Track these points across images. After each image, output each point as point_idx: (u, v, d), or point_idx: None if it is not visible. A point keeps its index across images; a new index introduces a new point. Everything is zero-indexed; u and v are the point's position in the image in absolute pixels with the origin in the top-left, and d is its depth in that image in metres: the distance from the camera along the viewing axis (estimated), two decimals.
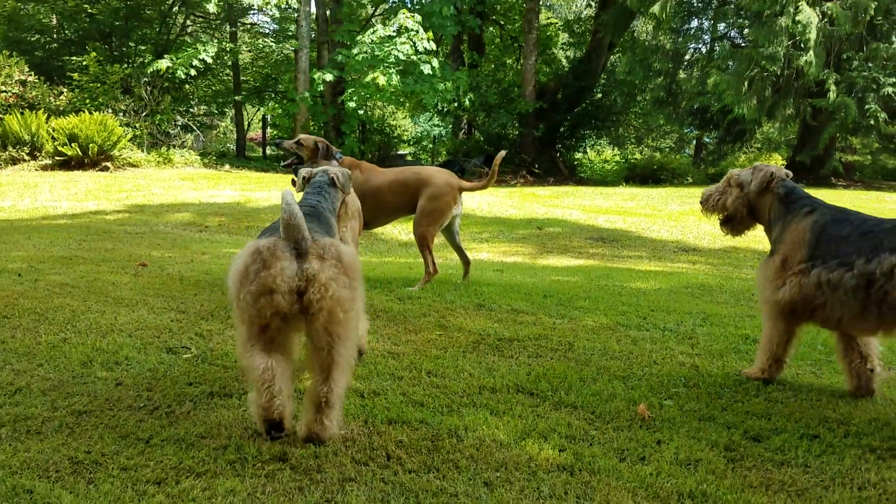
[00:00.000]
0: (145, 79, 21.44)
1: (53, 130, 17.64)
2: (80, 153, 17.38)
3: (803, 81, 19.90)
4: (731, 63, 21.07)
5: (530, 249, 9.47)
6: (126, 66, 22.18)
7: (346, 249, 2.83)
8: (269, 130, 29.55)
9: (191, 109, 27.53)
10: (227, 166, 21.73)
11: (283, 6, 23.68)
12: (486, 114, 24.97)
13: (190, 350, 3.73)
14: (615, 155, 33.06)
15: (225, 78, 27.76)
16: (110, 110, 19.92)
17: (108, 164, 18.00)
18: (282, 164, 5.79)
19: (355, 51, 20.25)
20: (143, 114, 21.30)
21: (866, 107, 19.28)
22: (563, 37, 32.40)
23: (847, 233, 3.16)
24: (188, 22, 27.62)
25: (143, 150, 20.24)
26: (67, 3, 22.14)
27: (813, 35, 18.60)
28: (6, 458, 2.42)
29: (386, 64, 19.74)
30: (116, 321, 4.16)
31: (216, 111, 29.72)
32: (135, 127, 20.44)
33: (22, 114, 17.94)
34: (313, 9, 23.42)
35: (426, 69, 20.11)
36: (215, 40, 24.11)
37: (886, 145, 23.73)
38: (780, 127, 22.27)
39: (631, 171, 24.45)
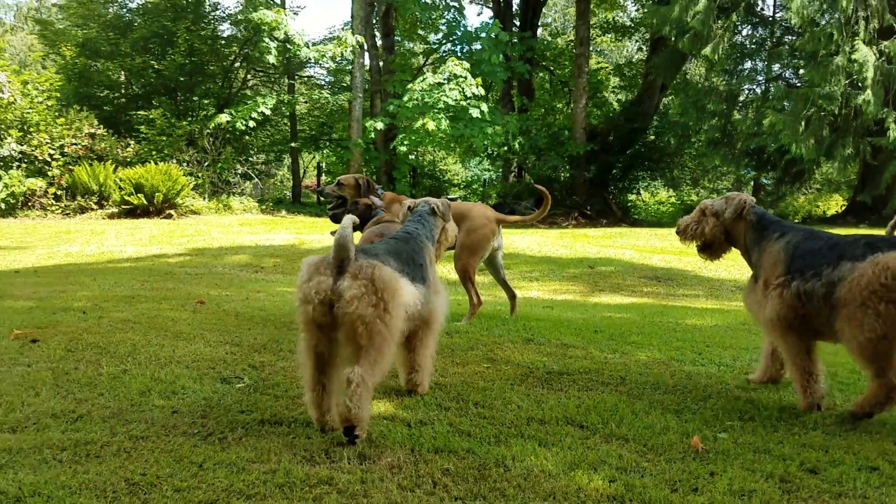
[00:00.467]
0: (207, 131, 22.29)
1: (120, 180, 18.45)
2: (145, 202, 18.10)
3: (862, 120, 19.45)
4: (786, 103, 20.77)
5: (581, 288, 9.39)
6: (191, 119, 23.12)
7: (383, 272, 3.03)
8: (323, 177, 30.24)
9: (250, 158, 28.43)
10: (283, 212, 22.28)
11: (337, 59, 24.45)
12: (536, 157, 25.08)
13: (243, 380, 3.81)
14: (670, 196, 32.66)
15: (283, 127, 28.65)
16: (174, 161, 20.73)
17: (172, 211, 18.68)
18: (328, 209, 5.91)
19: (406, 98, 20.71)
20: (206, 163, 22.11)
21: None
22: (614, 80, 32.49)
23: (818, 247, 3.46)
24: (248, 76, 28.70)
25: (204, 198, 20.96)
26: (135, 60, 23.28)
27: (870, 74, 18.25)
28: (66, 479, 2.50)
29: (435, 110, 20.11)
30: (174, 353, 4.29)
31: (274, 159, 30.60)
32: (197, 176, 21.22)
33: (91, 165, 18.82)
34: (367, 61, 24.12)
35: (475, 113, 20.40)
36: (274, 93, 24.95)
37: None
38: (840, 167, 21.72)
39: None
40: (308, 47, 22.84)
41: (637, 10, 31.67)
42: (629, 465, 2.75)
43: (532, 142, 24.10)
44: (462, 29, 25.79)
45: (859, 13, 18.80)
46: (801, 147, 19.36)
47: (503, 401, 3.54)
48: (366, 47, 23.28)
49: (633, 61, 33.11)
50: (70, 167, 18.89)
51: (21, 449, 2.76)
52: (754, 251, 3.77)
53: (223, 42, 26.66)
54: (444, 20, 27.42)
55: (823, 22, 19.52)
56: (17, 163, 18.50)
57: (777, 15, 22.98)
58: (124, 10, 26.10)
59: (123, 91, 25.41)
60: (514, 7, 28.24)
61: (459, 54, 24.88)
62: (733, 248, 4.00)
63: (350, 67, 24.07)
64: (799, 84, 22.01)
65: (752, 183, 28.98)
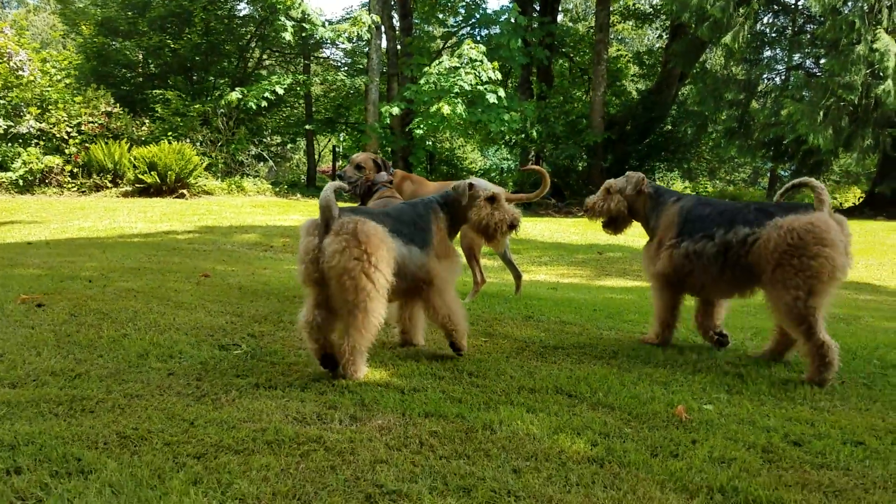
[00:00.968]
0: (221, 111, 22.37)
1: (135, 159, 18.59)
2: (158, 181, 18.25)
3: (882, 111, 19.20)
4: (805, 93, 20.54)
5: (588, 272, 9.40)
6: (206, 99, 23.22)
7: (365, 226, 3.20)
8: (339, 162, 30.33)
9: (264, 140, 28.51)
10: (297, 195, 22.37)
11: (354, 38, 24.40)
12: (553, 145, 24.98)
13: (241, 347, 3.87)
14: (686, 188, 32.48)
15: (298, 108, 28.68)
16: (188, 140, 20.85)
17: (185, 191, 18.83)
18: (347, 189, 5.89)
19: (422, 81, 20.67)
20: (219, 144, 22.21)
21: None
22: (634, 69, 32.24)
23: (708, 212, 3.94)
24: (264, 56, 28.74)
25: (217, 179, 21.08)
26: (152, 39, 23.39)
27: (892, 63, 17.98)
28: (60, 430, 2.57)
29: (452, 94, 20.05)
30: (175, 321, 4.36)
31: (288, 141, 30.67)
32: (211, 156, 21.33)
33: (106, 143, 18.98)
34: (384, 43, 24.06)
35: (492, 98, 20.33)
36: (289, 73, 24.98)
37: None
38: (859, 158, 21.45)
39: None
40: (324, 27, 22.82)
41: None
42: (612, 431, 2.78)
43: (550, 129, 23.98)
44: (481, 12, 25.64)
45: (883, 1, 18.53)
46: (819, 137, 19.14)
47: (497, 371, 3.58)
48: (383, 29, 23.22)
49: (652, 49, 32.82)
50: (86, 145, 19.06)
51: (19, 402, 2.84)
52: (652, 217, 4.28)
53: (239, 21, 26.71)
54: (463, 2, 27.28)
55: (846, 10, 19.23)
56: (35, 140, 18.70)
57: (799, 3, 22.66)
58: None
59: (140, 70, 25.54)
60: None
61: (478, 38, 24.76)
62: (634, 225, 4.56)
63: (367, 49, 24.04)
64: (819, 73, 21.74)
65: (768, 174, 28.73)
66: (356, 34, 22.39)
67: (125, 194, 18.34)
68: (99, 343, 3.78)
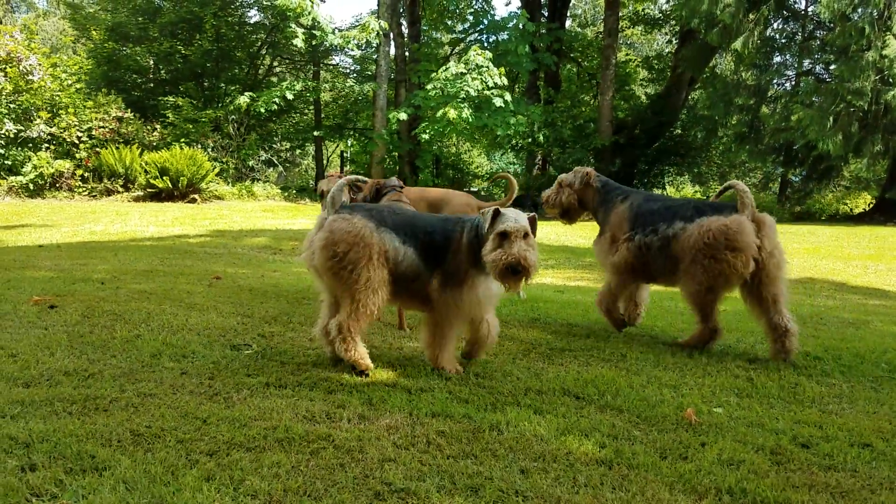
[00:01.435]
0: (232, 117, 22.50)
1: (146, 164, 18.71)
2: (170, 185, 18.36)
3: (892, 117, 19.14)
4: (815, 98, 20.49)
5: (596, 276, 9.39)
6: (217, 105, 23.35)
7: (338, 225, 3.43)
8: (346, 167, 30.40)
9: (274, 145, 28.64)
10: (306, 200, 22.45)
11: (363, 45, 24.49)
12: (560, 149, 24.96)
13: (251, 347, 3.91)
14: (696, 192, 32.36)
15: (307, 115, 28.81)
16: (200, 146, 20.98)
17: (196, 196, 18.93)
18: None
19: (429, 87, 20.73)
20: (230, 149, 22.34)
21: None
22: (643, 73, 32.19)
23: (656, 208, 4.36)
24: (274, 63, 28.88)
25: (228, 184, 21.19)
26: (163, 45, 23.55)
27: None
28: (74, 428, 2.61)
29: (458, 99, 20.10)
30: (187, 322, 4.40)
31: (297, 146, 30.80)
32: (222, 162, 21.45)
33: (117, 148, 19.11)
34: (392, 49, 24.16)
35: (498, 102, 20.36)
36: (299, 80, 25.11)
37: None
38: (869, 163, 21.37)
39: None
40: (334, 34, 22.95)
41: (667, 2, 31.34)
42: (621, 434, 2.79)
43: (557, 133, 23.98)
44: (489, 18, 25.70)
45: (893, 7, 18.48)
46: (829, 143, 19.09)
47: (503, 373, 3.60)
48: (391, 36, 23.31)
49: (662, 54, 32.77)
50: (97, 150, 19.20)
51: (33, 401, 2.88)
52: (601, 211, 4.69)
53: (250, 28, 26.86)
54: (471, 9, 27.33)
55: (855, 17, 19.20)
56: (45, 144, 18.84)
57: (808, 9, 22.62)
58: None
59: (151, 76, 25.70)
60: None
61: (485, 44, 24.80)
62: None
63: (375, 56, 24.13)
64: (829, 79, 21.67)
65: (779, 179, 28.62)
66: (365, 40, 22.47)
67: (136, 199, 18.45)
68: (112, 343, 3.82)
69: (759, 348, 4.33)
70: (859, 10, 19.23)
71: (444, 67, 21.09)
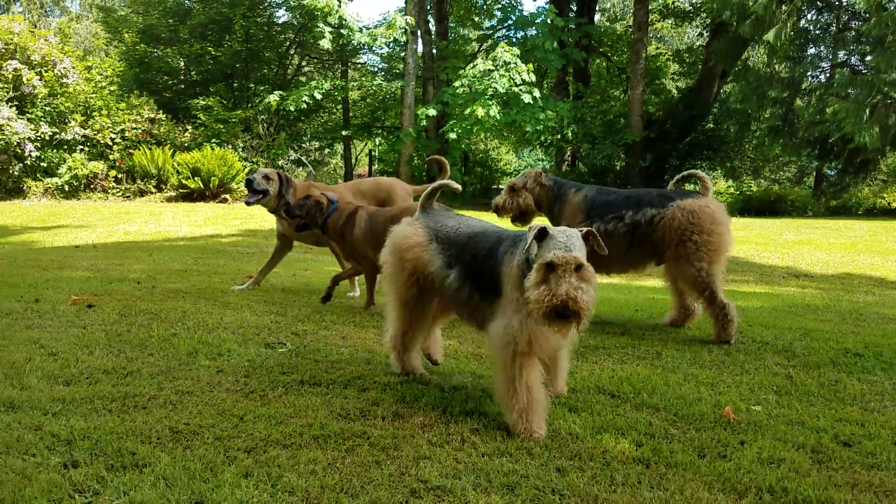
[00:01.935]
0: (262, 116, 22.72)
1: (178, 165, 18.97)
2: (201, 186, 18.60)
3: None
4: (851, 91, 20.06)
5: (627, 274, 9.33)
6: (247, 106, 23.60)
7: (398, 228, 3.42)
8: (375, 165, 30.53)
9: (303, 145, 28.89)
10: None
11: (390, 43, 24.57)
12: (590, 145, 24.75)
13: (286, 345, 3.94)
14: (729, 187, 31.91)
15: (336, 114, 28.99)
16: (230, 146, 21.21)
17: (227, 195, 19.14)
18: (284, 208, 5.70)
19: (457, 84, 20.71)
20: (260, 149, 22.56)
21: None
22: (673, 67, 31.81)
23: (614, 199, 4.52)
24: (303, 63, 29.09)
25: None
26: (193, 47, 23.85)
27: None
28: (114, 426, 2.65)
29: (486, 97, 20.05)
30: (222, 320, 4.45)
31: (326, 146, 31.01)
32: (252, 161, 21.67)
33: (150, 149, 19.40)
34: (420, 47, 24.19)
35: (527, 98, 20.27)
36: (326, 79, 25.27)
37: None
38: None
39: (746, 203, 23.30)
40: (361, 32, 23.05)
41: None
42: (658, 432, 2.76)
43: (586, 129, 23.78)
44: (517, 14, 25.59)
45: None
46: (866, 136, 18.69)
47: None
48: (419, 33, 23.33)
49: (693, 47, 32.34)
50: (130, 151, 19.51)
51: (74, 399, 2.92)
52: (555, 207, 4.80)
53: (278, 28, 27.09)
54: (498, 5, 27.24)
55: (892, 6, 18.78)
56: (80, 146, 19.19)
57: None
58: None
59: (182, 77, 26.05)
60: None
61: (514, 40, 24.70)
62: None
63: (403, 54, 24.18)
64: (865, 71, 21.22)
65: (814, 173, 28.11)
66: (392, 38, 22.53)
67: (169, 199, 18.72)
68: (149, 342, 3.88)
69: (797, 345, 4.25)
70: None
71: (471, 64, 21.05)
